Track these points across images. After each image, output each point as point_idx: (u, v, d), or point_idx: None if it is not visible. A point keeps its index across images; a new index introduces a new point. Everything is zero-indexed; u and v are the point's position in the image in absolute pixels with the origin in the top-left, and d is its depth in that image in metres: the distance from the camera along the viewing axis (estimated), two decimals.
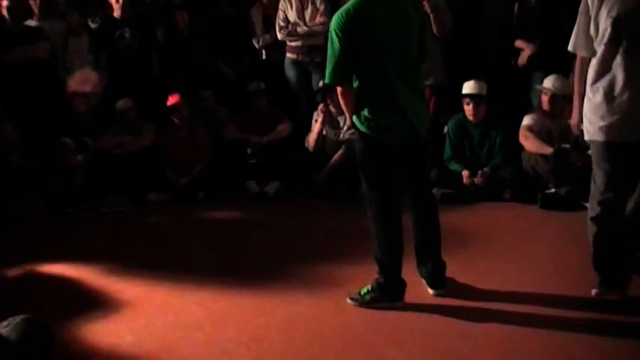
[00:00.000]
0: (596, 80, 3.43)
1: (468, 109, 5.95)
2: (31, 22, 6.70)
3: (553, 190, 5.52)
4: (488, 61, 6.46)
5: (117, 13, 6.71)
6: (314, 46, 6.59)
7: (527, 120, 5.80)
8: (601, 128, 3.41)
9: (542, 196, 5.48)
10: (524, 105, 6.20)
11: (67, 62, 6.69)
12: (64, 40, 6.73)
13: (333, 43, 3.47)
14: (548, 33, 6.04)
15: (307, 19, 6.60)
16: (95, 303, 4.00)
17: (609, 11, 3.37)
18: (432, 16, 6.30)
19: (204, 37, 6.79)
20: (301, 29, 6.58)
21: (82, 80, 6.51)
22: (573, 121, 3.76)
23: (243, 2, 7.16)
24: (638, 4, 3.34)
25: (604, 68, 3.41)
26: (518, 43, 6.25)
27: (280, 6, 6.65)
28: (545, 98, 5.80)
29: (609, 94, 3.38)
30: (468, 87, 5.93)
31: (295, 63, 6.72)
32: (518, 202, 5.65)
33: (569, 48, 3.59)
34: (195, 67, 6.73)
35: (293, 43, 6.68)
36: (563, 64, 5.97)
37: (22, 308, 2.71)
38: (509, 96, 6.40)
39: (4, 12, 6.35)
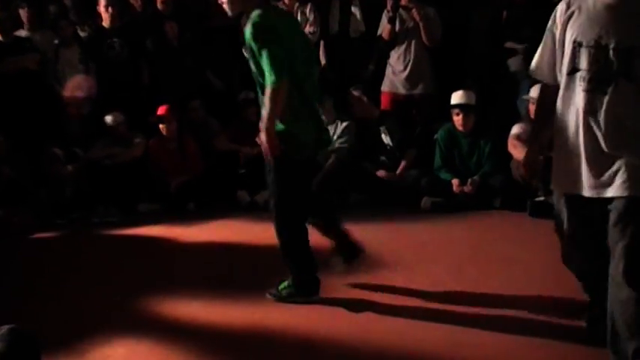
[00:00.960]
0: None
1: (457, 119, 5.98)
2: (21, 33, 6.71)
3: (542, 198, 5.55)
4: (477, 69, 6.50)
5: (106, 23, 6.71)
6: None
7: (515, 129, 5.83)
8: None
9: (532, 204, 5.50)
10: (512, 114, 6.24)
11: (59, 73, 6.68)
12: (54, 50, 6.73)
13: (268, 44, 3.47)
14: (537, 40, 6.08)
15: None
16: (85, 313, 3.99)
17: (572, 34, 2.86)
18: (421, 24, 6.36)
19: (194, 47, 6.79)
20: None
21: (76, 86, 6.52)
22: (523, 160, 3.32)
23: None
24: (606, 30, 2.78)
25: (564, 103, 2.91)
26: (510, 44, 6.29)
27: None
28: (532, 107, 5.82)
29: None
30: (457, 97, 5.96)
31: None
32: (508, 209, 5.68)
33: (531, 68, 3.12)
34: (184, 77, 6.73)
35: None
36: None
37: (8, 318, 2.69)
38: (497, 105, 6.45)
39: None
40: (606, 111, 2.76)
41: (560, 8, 2.94)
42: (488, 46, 6.42)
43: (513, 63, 6.36)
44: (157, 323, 3.81)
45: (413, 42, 6.47)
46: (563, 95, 2.91)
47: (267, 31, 3.51)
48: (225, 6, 3.67)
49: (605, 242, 2.82)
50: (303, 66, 3.65)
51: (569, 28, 2.88)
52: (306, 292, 3.93)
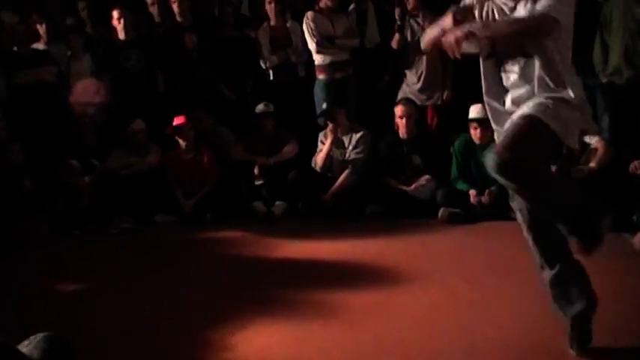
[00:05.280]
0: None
1: (475, 133, 5.95)
2: (39, 46, 6.77)
3: None
4: None
5: (120, 35, 6.76)
6: (344, 60, 6.69)
7: None
8: None
9: None
10: None
11: (71, 85, 6.74)
12: (67, 63, 6.79)
13: None
14: None
15: (337, 33, 6.64)
16: (106, 322, 3.99)
17: None
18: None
19: (211, 57, 6.83)
20: (339, 41, 6.62)
21: (82, 90, 6.57)
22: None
23: (249, 24, 7.21)
24: None
25: None
26: None
27: (310, 18, 6.61)
28: None
29: None
30: (475, 111, 5.92)
31: (327, 83, 6.68)
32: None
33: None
34: (200, 87, 6.76)
35: (323, 62, 6.67)
36: None
37: (36, 327, 2.69)
38: None
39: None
40: None
41: None
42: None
43: None
44: (176, 333, 3.80)
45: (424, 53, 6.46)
46: None
47: None
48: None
49: None
50: None
51: None
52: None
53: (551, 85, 3.01)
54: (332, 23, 6.66)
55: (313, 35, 6.60)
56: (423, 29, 6.31)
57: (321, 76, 6.71)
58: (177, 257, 5.36)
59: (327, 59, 6.66)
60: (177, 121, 6.39)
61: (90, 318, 4.08)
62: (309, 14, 6.65)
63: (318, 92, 6.73)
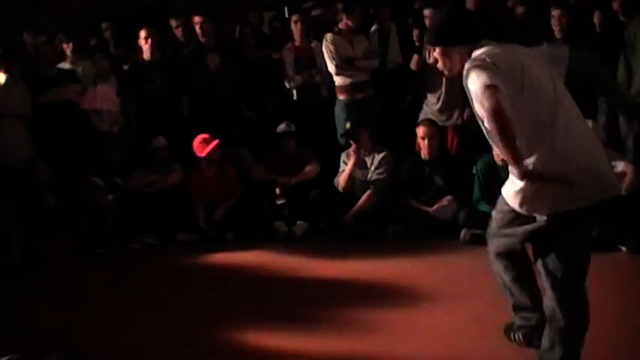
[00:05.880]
0: None
1: (497, 154, 5.93)
2: (65, 65, 6.86)
3: None
4: None
5: (146, 56, 6.82)
6: (365, 81, 6.70)
7: None
8: None
9: None
10: None
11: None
12: (93, 82, 6.86)
13: None
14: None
15: (357, 53, 6.67)
16: (129, 340, 4.01)
17: None
18: None
19: (234, 78, 6.87)
20: (358, 63, 6.64)
21: (94, 97, 6.64)
22: None
23: (271, 44, 7.25)
24: None
25: None
26: None
27: (330, 40, 6.65)
28: None
29: None
30: None
31: (348, 104, 6.69)
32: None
33: None
34: (223, 107, 6.80)
35: (343, 82, 6.69)
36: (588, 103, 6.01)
37: (56, 344, 2.70)
38: None
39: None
40: None
41: None
42: None
43: None
44: (198, 354, 3.81)
45: (444, 74, 6.42)
46: None
47: None
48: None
49: None
50: None
51: None
52: None
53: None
54: (351, 44, 6.68)
55: (333, 58, 6.63)
56: None
57: (341, 97, 6.73)
58: (198, 276, 5.38)
59: (348, 80, 6.68)
60: (205, 150, 6.40)
61: (111, 336, 4.11)
62: (329, 36, 6.69)
63: (339, 113, 6.74)
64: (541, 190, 2.94)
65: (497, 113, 2.75)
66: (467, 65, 2.92)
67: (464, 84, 2.97)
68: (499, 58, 2.90)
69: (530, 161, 2.89)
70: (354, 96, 6.69)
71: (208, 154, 6.41)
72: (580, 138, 2.96)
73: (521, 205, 3.03)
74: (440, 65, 3.15)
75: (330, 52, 6.64)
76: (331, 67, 6.68)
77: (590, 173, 2.91)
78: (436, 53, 3.15)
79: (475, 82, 2.84)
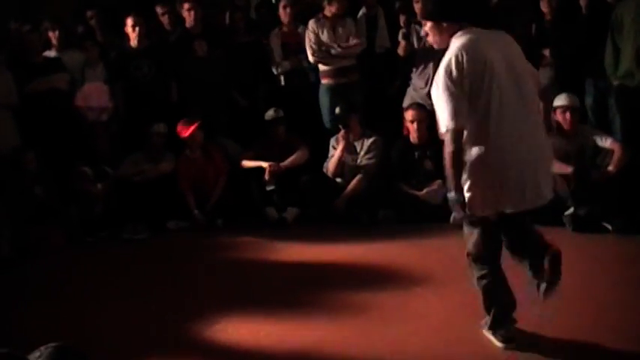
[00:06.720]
0: None
1: None
2: (50, 53, 6.80)
3: (572, 211, 5.48)
4: None
5: (133, 43, 6.77)
6: (348, 66, 6.66)
7: None
8: None
9: (573, 218, 5.43)
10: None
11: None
12: (81, 70, 6.82)
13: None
14: (564, 52, 6.12)
15: (340, 40, 6.63)
16: (121, 330, 4.01)
17: None
18: None
19: (223, 64, 6.84)
20: (335, 51, 6.60)
21: (88, 94, 6.61)
22: None
23: (260, 29, 7.22)
24: None
25: None
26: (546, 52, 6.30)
27: (310, 28, 6.64)
28: (566, 116, 5.74)
29: None
30: None
31: (331, 88, 6.69)
32: (538, 224, 5.60)
33: None
34: (212, 94, 6.78)
35: (327, 67, 6.68)
36: (575, 85, 6.04)
37: (48, 336, 2.69)
38: None
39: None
40: None
41: None
42: None
43: (543, 76, 6.33)
44: (189, 340, 3.82)
45: (432, 58, 6.42)
46: None
47: None
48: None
49: None
50: None
51: None
52: None
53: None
54: (334, 31, 6.64)
55: (310, 47, 6.63)
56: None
57: (324, 81, 6.73)
58: (189, 263, 5.38)
59: (330, 66, 6.67)
60: (189, 130, 6.40)
61: (103, 326, 4.10)
62: (310, 24, 6.67)
63: (322, 97, 6.74)
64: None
65: (455, 154, 3.18)
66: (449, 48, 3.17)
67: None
68: (469, 54, 3.16)
69: (474, 151, 3.18)
70: (338, 81, 6.67)
71: (192, 135, 6.40)
72: (526, 134, 3.23)
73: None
74: (429, 39, 3.30)
75: (309, 40, 6.63)
76: (310, 57, 6.67)
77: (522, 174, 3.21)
78: (427, 27, 3.24)
79: (441, 96, 3.23)
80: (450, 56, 3.19)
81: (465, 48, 3.17)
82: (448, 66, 3.17)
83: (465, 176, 3.21)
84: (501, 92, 3.18)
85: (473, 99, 3.17)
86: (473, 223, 3.34)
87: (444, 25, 3.24)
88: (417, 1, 6.39)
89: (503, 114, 3.17)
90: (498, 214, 3.26)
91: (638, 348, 3.38)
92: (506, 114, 3.18)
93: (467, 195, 3.23)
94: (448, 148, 3.19)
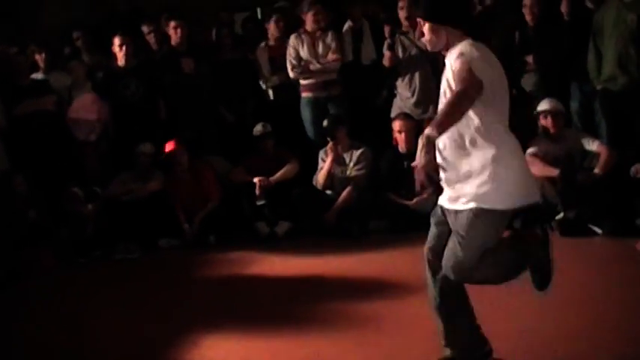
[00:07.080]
0: None
1: None
2: (37, 76, 6.82)
3: (562, 215, 5.50)
4: None
5: (121, 63, 6.78)
6: (329, 80, 6.69)
7: (531, 149, 5.80)
8: None
9: (562, 222, 5.46)
10: (528, 133, 6.23)
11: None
12: (68, 91, 6.83)
13: None
14: (547, 58, 6.16)
15: (319, 56, 6.67)
16: (114, 348, 4.00)
17: None
18: None
19: (209, 81, 6.86)
20: (314, 66, 6.64)
21: (81, 107, 6.60)
22: None
23: (247, 45, 7.25)
24: None
25: None
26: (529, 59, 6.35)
27: (291, 44, 6.68)
28: (548, 120, 5.82)
29: None
30: None
31: (311, 102, 6.72)
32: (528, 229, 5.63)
33: None
34: (200, 111, 6.79)
35: (307, 81, 6.71)
36: (561, 90, 6.09)
37: (41, 356, 2.69)
38: (513, 124, 6.43)
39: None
40: None
41: None
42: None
43: (527, 82, 6.39)
44: (185, 358, 3.81)
45: (417, 67, 6.47)
46: None
47: None
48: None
49: None
50: None
51: None
52: None
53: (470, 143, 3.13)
54: (314, 46, 6.67)
55: (290, 61, 6.67)
56: (417, 46, 6.35)
57: (304, 94, 6.77)
58: (182, 281, 5.37)
59: (310, 80, 6.71)
60: (169, 147, 6.43)
61: (95, 347, 4.09)
62: (291, 39, 6.71)
63: (303, 111, 6.78)
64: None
65: (464, 94, 2.97)
66: (457, 53, 3.05)
67: (448, 62, 3.11)
68: (490, 62, 3.15)
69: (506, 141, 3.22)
70: (318, 94, 6.71)
71: (173, 153, 6.41)
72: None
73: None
74: (425, 39, 3.21)
75: (289, 55, 6.68)
76: (290, 72, 6.71)
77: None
78: (425, 28, 3.18)
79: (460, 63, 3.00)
80: (469, 55, 3.05)
81: (484, 58, 3.12)
82: (471, 57, 3.04)
83: (490, 168, 3.12)
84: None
85: (498, 100, 3.25)
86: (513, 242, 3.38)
87: (444, 27, 3.14)
88: (402, 8, 6.45)
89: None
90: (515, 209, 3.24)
91: (636, 348, 3.39)
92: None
93: (490, 187, 3.14)
94: (459, 87, 2.99)
